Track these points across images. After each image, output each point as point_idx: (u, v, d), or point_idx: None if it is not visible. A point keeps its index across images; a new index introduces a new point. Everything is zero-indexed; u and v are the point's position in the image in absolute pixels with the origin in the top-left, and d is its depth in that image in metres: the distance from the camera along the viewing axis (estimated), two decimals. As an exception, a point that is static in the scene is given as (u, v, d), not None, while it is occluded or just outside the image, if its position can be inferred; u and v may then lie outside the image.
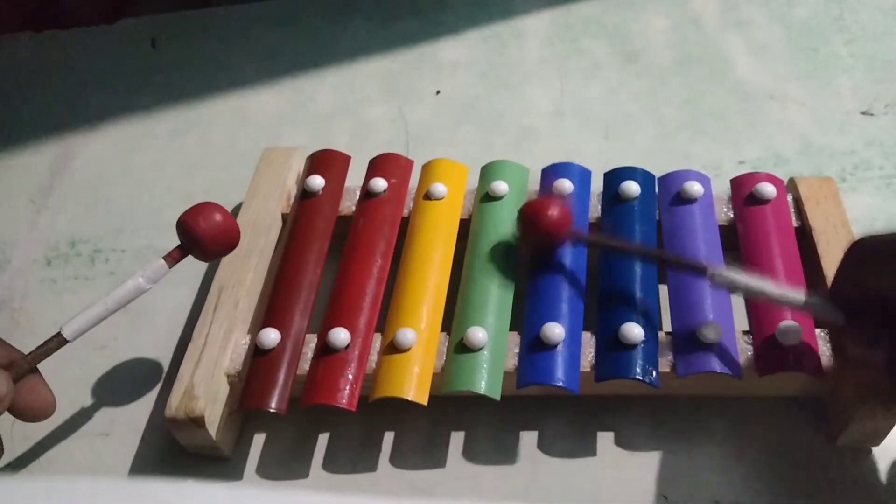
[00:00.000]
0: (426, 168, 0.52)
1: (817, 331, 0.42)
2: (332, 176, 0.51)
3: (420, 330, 0.43)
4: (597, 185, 0.50)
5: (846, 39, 0.67)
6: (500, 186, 0.49)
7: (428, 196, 0.50)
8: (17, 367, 0.39)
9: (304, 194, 0.51)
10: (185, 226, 0.41)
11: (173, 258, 0.41)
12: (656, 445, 0.43)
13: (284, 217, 0.52)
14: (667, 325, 0.44)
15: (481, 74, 0.67)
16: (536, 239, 0.44)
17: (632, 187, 0.48)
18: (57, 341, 0.40)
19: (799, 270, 0.44)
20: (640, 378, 0.40)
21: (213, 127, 0.65)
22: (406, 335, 0.42)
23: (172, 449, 0.44)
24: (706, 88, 0.64)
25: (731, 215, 0.48)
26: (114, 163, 0.63)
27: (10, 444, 0.46)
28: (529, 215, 0.44)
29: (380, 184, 0.50)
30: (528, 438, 0.44)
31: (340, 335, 0.42)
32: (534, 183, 0.51)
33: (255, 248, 0.49)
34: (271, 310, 0.45)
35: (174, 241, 0.56)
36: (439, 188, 0.49)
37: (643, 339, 0.41)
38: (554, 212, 0.43)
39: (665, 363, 0.41)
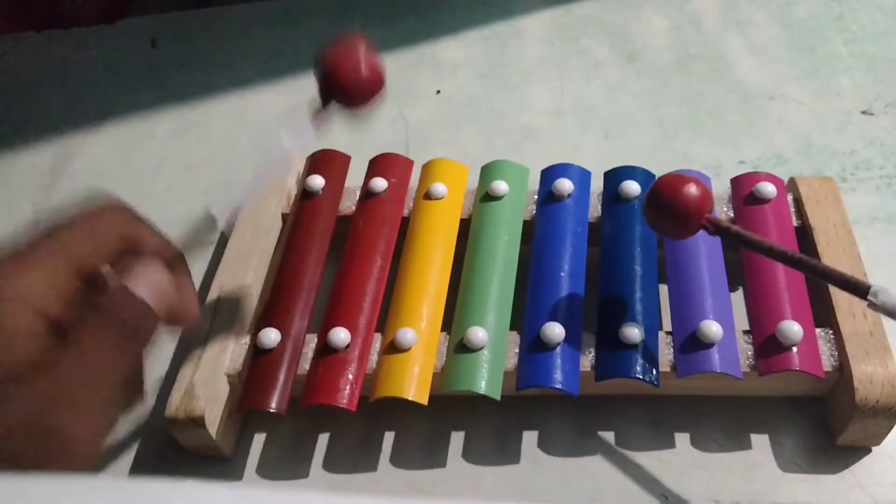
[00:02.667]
0: (426, 168, 0.52)
1: (818, 330, 0.42)
2: (332, 176, 0.51)
3: (420, 330, 0.43)
4: (597, 184, 0.50)
5: (846, 39, 0.67)
6: (500, 186, 0.49)
7: (428, 196, 0.50)
8: (169, 255, 0.34)
9: (304, 194, 0.51)
10: (328, 73, 0.35)
11: (317, 115, 0.36)
12: (656, 445, 0.43)
13: (284, 217, 0.52)
14: (667, 325, 0.44)
15: (481, 74, 0.67)
16: (667, 221, 0.39)
17: (632, 187, 0.48)
18: (208, 225, 0.36)
19: (796, 270, 0.44)
20: (641, 377, 0.40)
21: (213, 127, 0.65)
22: (406, 335, 0.42)
23: (172, 449, 0.44)
24: (706, 88, 0.64)
25: (732, 215, 0.48)
26: (114, 163, 0.63)
27: (11, 444, 0.46)
28: (663, 194, 0.38)
29: (380, 184, 0.50)
30: (529, 438, 0.44)
31: (340, 335, 0.42)
32: (534, 183, 0.51)
33: (255, 248, 0.49)
34: (271, 310, 0.45)
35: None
36: (439, 188, 0.49)
37: (643, 338, 0.41)
38: (692, 191, 0.37)
39: (665, 363, 0.41)
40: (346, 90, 0.36)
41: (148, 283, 0.32)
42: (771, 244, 0.37)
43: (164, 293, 0.32)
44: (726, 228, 0.38)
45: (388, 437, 0.45)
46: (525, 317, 0.44)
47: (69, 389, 0.29)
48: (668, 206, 0.38)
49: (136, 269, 0.32)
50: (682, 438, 0.43)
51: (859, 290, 0.35)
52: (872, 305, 0.35)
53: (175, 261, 0.35)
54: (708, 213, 0.38)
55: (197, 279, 0.53)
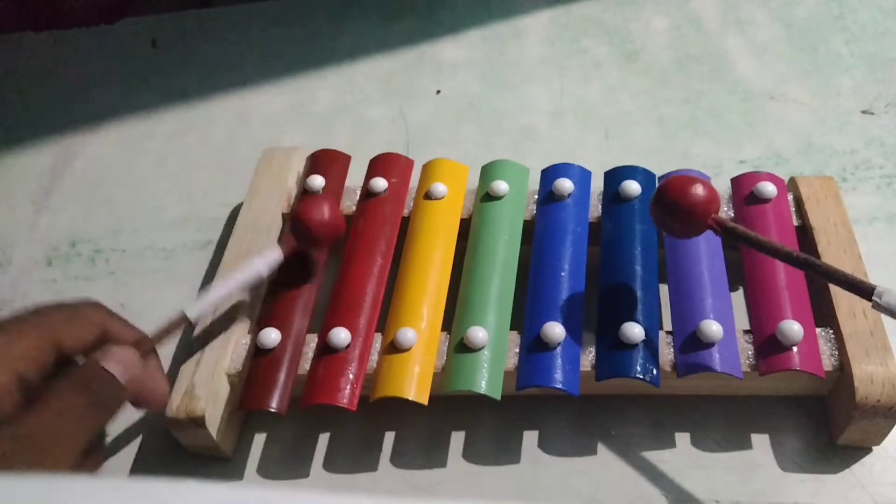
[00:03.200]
0: (426, 168, 0.52)
1: (818, 330, 0.42)
2: (332, 176, 0.51)
3: (420, 329, 0.43)
4: (597, 184, 0.50)
5: (846, 39, 0.67)
6: (501, 186, 0.49)
7: (428, 196, 0.50)
8: (142, 346, 0.38)
9: (305, 194, 0.51)
10: (301, 221, 0.43)
11: (287, 246, 0.44)
12: (656, 445, 0.43)
13: (284, 217, 0.52)
14: (667, 325, 0.44)
15: (481, 74, 0.67)
16: (673, 221, 0.39)
17: (632, 186, 0.48)
18: (180, 321, 0.40)
19: (800, 270, 0.44)
20: (641, 377, 0.40)
21: (213, 127, 0.65)
22: (406, 335, 0.42)
23: (172, 449, 0.44)
24: (706, 88, 0.64)
25: (732, 214, 0.48)
26: (114, 163, 0.63)
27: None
28: (670, 194, 0.38)
29: (380, 183, 0.50)
30: (529, 438, 0.44)
31: (341, 335, 0.42)
32: (534, 182, 0.51)
33: (255, 248, 0.49)
34: (272, 310, 0.45)
35: (174, 241, 0.57)
36: (439, 188, 0.49)
37: (643, 338, 0.41)
38: (699, 192, 0.38)
39: (665, 363, 0.41)
40: (313, 240, 0.44)
41: (119, 360, 0.35)
42: (776, 244, 0.38)
43: (133, 372, 0.35)
44: (732, 229, 0.38)
45: (388, 437, 0.45)
46: (525, 317, 0.44)
47: (28, 447, 0.31)
48: (675, 205, 0.38)
49: (108, 348, 0.35)
50: (682, 438, 0.43)
51: (864, 290, 0.35)
52: (877, 306, 0.35)
53: (147, 350, 0.38)
54: (714, 214, 0.38)
55: (197, 279, 0.54)
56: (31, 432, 0.31)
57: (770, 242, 0.38)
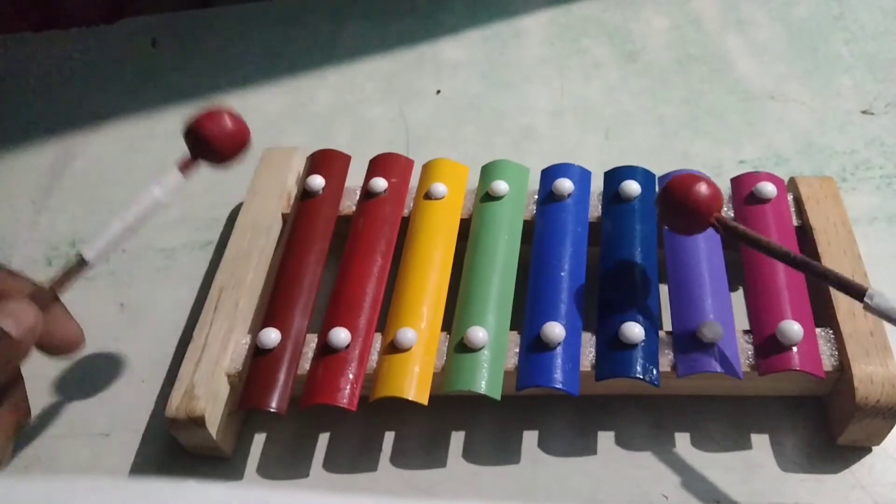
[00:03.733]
0: (426, 168, 0.52)
1: (818, 330, 0.42)
2: (332, 176, 0.51)
3: (420, 329, 0.43)
4: (597, 184, 0.50)
5: (846, 39, 0.67)
6: (501, 186, 0.49)
7: (428, 196, 0.50)
8: (40, 296, 0.37)
9: (304, 194, 0.51)
10: (194, 131, 0.40)
11: (186, 166, 0.40)
12: (656, 445, 0.43)
13: (284, 217, 0.52)
14: (667, 325, 0.44)
15: (481, 74, 0.67)
16: (677, 218, 0.41)
17: (632, 186, 0.48)
18: (78, 264, 0.38)
19: (797, 271, 0.44)
20: (641, 377, 0.40)
21: (213, 127, 0.65)
22: (406, 335, 0.42)
23: (172, 449, 0.44)
24: (706, 88, 0.64)
25: (732, 214, 0.48)
26: (114, 163, 0.63)
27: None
28: (675, 192, 0.40)
29: (380, 183, 0.50)
30: (529, 438, 0.44)
31: (341, 335, 0.42)
32: (534, 182, 0.51)
33: (255, 248, 0.49)
34: (271, 310, 0.45)
35: (174, 241, 0.57)
36: (439, 188, 0.49)
37: (643, 338, 0.41)
38: (703, 191, 0.39)
39: (665, 363, 0.41)
40: (213, 149, 0.41)
41: (9, 314, 0.34)
42: (773, 244, 0.39)
43: (27, 323, 0.35)
44: (733, 228, 0.40)
45: (388, 437, 0.45)
46: (525, 317, 0.44)
47: None
48: (680, 203, 0.40)
49: None
50: (682, 438, 0.43)
51: (857, 292, 0.36)
52: (868, 308, 0.36)
53: (46, 300, 0.38)
54: (717, 213, 0.40)
55: (197, 279, 0.54)
56: None
57: (768, 242, 0.39)
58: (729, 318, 0.43)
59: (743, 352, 0.42)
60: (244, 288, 0.47)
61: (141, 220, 0.39)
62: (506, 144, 0.61)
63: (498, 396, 0.41)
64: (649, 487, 0.42)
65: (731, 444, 0.43)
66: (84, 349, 0.40)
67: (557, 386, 0.40)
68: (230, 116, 0.41)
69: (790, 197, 0.49)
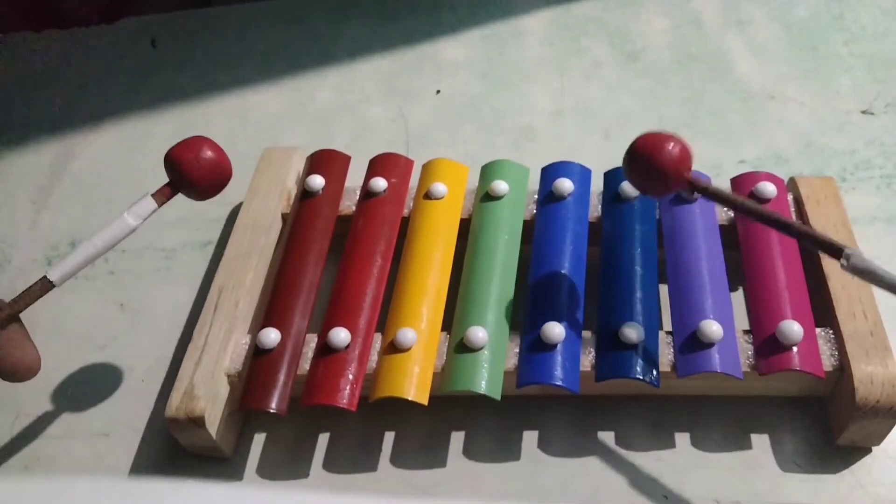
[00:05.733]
0: (426, 168, 0.52)
1: (818, 330, 0.42)
2: (332, 176, 0.51)
3: (420, 330, 0.43)
4: (597, 184, 0.50)
5: (846, 39, 0.67)
6: (501, 186, 0.49)
7: (428, 196, 0.50)
8: (10, 322, 0.36)
9: (304, 194, 0.51)
10: (173, 160, 0.39)
11: (162, 195, 0.39)
12: (656, 445, 0.43)
13: (284, 217, 0.52)
14: (667, 325, 0.44)
15: (481, 74, 0.67)
16: (646, 180, 0.39)
17: (632, 186, 0.48)
18: (41, 285, 0.37)
19: (799, 269, 0.44)
20: (641, 377, 0.40)
21: (213, 127, 0.65)
22: (406, 335, 0.42)
23: (172, 449, 0.44)
24: (706, 88, 0.64)
25: (732, 214, 0.48)
26: (114, 163, 0.63)
27: (12, 443, 0.46)
28: (642, 152, 0.38)
29: (380, 183, 0.50)
30: (529, 438, 0.44)
31: (341, 335, 0.42)
32: (534, 182, 0.51)
33: (255, 248, 0.49)
34: (271, 310, 0.45)
35: (174, 241, 0.57)
36: (439, 188, 0.49)
37: (643, 338, 0.41)
38: (673, 149, 0.38)
39: (665, 363, 0.41)
40: (194, 187, 0.40)
41: None
42: (747, 203, 0.38)
43: None
44: (704, 188, 0.39)
45: (388, 437, 0.45)
46: (525, 316, 0.44)
47: None
48: (648, 164, 0.38)
49: None
50: (682, 438, 0.43)
51: (834, 251, 0.35)
52: (845, 268, 0.35)
53: (5, 319, 0.36)
54: (687, 173, 0.38)
55: (197, 279, 0.54)
56: None
57: (742, 201, 0.38)
58: (729, 317, 0.43)
59: (743, 352, 0.42)
60: (244, 288, 0.47)
61: (110, 246, 0.39)
62: (506, 144, 0.61)
63: (498, 396, 0.41)
64: (649, 487, 0.42)
65: (731, 444, 0.43)
66: (38, 374, 0.38)
67: (557, 383, 0.40)
68: (211, 149, 0.39)
69: (790, 197, 0.49)
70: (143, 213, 0.39)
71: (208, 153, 0.39)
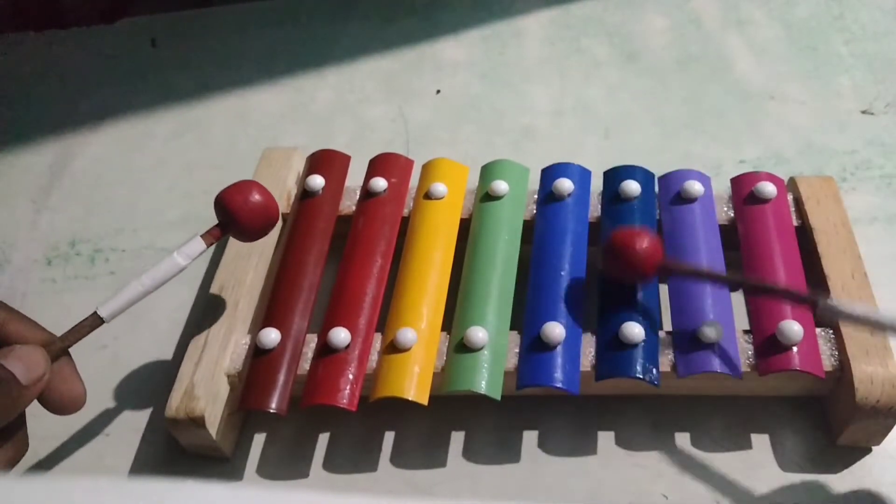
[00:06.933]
0: (426, 168, 0.52)
1: (818, 330, 0.42)
2: (332, 176, 0.51)
3: (420, 329, 0.43)
4: (596, 184, 0.50)
5: (846, 39, 0.67)
6: (501, 186, 0.49)
7: (428, 196, 0.50)
8: (51, 347, 0.37)
9: (304, 194, 0.51)
10: (224, 203, 0.41)
11: (213, 236, 0.41)
12: (656, 445, 0.43)
13: (284, 217, 0.52)
14: (667, 325, 0.44)
15: (481, 74, 0.67)
16: (621, 272, 0.42)
17: (632, 186, 0.48)
18: (92, 321, 0.38)
19: (799, 270, 0.44)
20: (641, 377, 0.40)
21: (213, 127, 0.65)
22: (406, 335, 0.42)
23: (172, 449, 0.44)
24: (706, 88, 0.64)
25: (732, 214, 0.48)
26: (114, 163, 0.63)
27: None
28: (617, 248, 0.41)
29: (380, 183, 0.50)
30: (529, 438, 0.44)
31: (341, 335, 0.42)
32: (534, 182, 0.51)
33: (255, 248, 0.49)
34: (271, 310, 0.45)
35: (174, 241, 0.57)
36: (439, 188, 0.49)
37: (643, 338, 0.41)
38: (644, 245, 0.41)
39: (665, 363, 0.41)
40: (242, 229, 0.42)
41: (19, 358, 0.34)
42: (714, 272, 0.43)
43: (37, 371, 0.35)
44: (675, 268, 0.43)
45: (388, 437, 0.45)
46: (525, 317, 0.44)
47: None
48: (622, 260, 0.41)
49: (11, 347, 0.35)
50: (682, 438, 0.43)
51: (810, 302, 0.39)
52: (821, 316, 0.38)
53: (57, 352, 0.37)
54: (657, 264, 0.41)
55: (197, 279, 0.54)
56: None
57: (709, 271, 0.43)
58: (729, 317, 0.43)
59: (743, 352, 0.42)
60: (244, 288, 0.47)
61: (158, 285, 0.40)
62: (506, 144, 0.61)
63: (498, 396, 0.41)
64: (649, 487, 0.42)
65: (731, 444, 0.43)
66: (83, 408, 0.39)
67: (557, 385, 0.40)
68: (259, 192, 0.41)
69: (790, 197, 0.49)
70: (193, 254, 0.41)
71: (257, 196, 0.41)
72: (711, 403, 0.44)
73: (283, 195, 0.52)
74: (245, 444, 0.45)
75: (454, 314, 0.44)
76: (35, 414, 0.47)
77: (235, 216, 0.41)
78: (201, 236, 0.41)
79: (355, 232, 0.48)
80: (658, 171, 0.50)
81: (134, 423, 0.46)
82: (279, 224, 0.51)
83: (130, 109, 0.67)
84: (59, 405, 0.37)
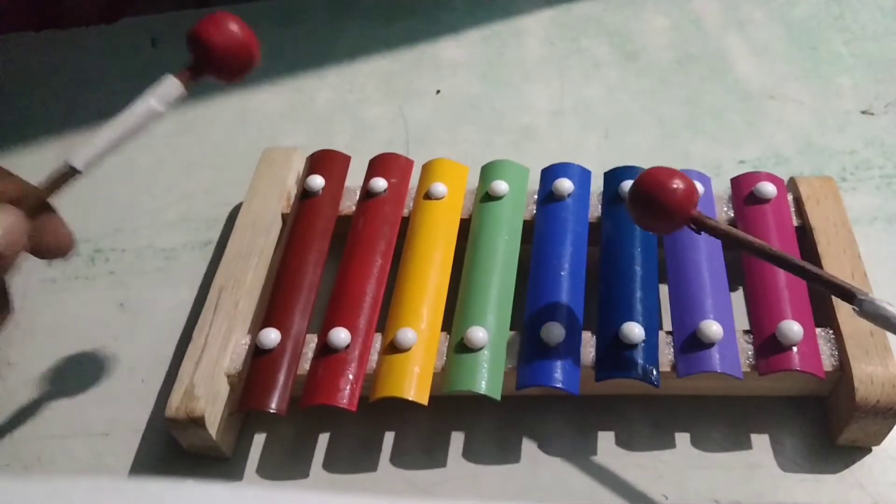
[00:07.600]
0: (426, 168, 0.52)
1: (818, 330, 0.42)
2: (332, 176, 0.51)
3: (420, 330, 0.43)
4: (597, 184, 0.50)
5: (846, 39, 0.67)
6: (501, 186, 0.49)
7: (428, 196, 0.50)
8: (30, 202, 0.36)
9: (304, 194, 0.51)
10: (198, 37, 0.37)
11: (187, 76, 0.37)
12: (656, 445, 0.43)
13: (284, 217, 0.52)
14: (667, 325, 0.44)
15: (481, 74, 0.67)
16: (651, 217, 0.37)
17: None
18: (66, 172, 0.37)
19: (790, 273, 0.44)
20: (641, 377, 0.40)
21: (213, 127, 0.65)
22: (406, 335, 0.42)
23: (172, 449, 0.44)
24: (706, 88, 0.64)
25: (732, 214, 0.48)
26: (114, 163, 0.63)
27: (12, 443, 0.46)
28: (647, 188, 0.36)
29: (380, 183, 0.50)
30: (529, 438, 0.44)
31: (341, 335, 0.42)
32: (534, 182, 0.51)
33: (255, 248, 0.49)
34: (271, 310, 0.45)
35: (174, 241, 0.57)
36: (439, 188, 0.49)
37: (643, 338, 0.41)
38: (679, 185, 0.36)
39: (665, 363, 0.41)
40: (218, 64, 0.37)
41: None
42: (762, 244, 0.37)
43: (11, 237, 0.34)
44: (713, 227, 0.37)
45: (388, 437, 0.45)
46: (525, 317, 0.44)
47: None
48: (652, 202, 0.36)
49: None
50: (682, 438, 0.43)
51: (847, 295, 0.35)
52: (858, 312, 0.35)
53: (34, 207, 0.37)
54: (693, 210, 0.36)
55: (197, 279, 0.54)
56: None
57: (757, 242, 0.37)
58: (729, 318, 0.43)
59: (743, 352, 0.42)
60: (244, 288, 0.47)
61: (134, 131, 0.36)
62: (506, 144, 0.61)
63: (498, 396, 0.41)
64: (649, 487, 0.42)
65: (731, 444, 0.43)
66: (74, 253, 0.38)
67: (557, 385, 0.40)
68: (237, 24, 0.37)
69: (790, 197, 0.49)
70: (168, 97, 0.36)
71: (233, 27, 0.38)
72: (711, 403, 0.44)
73: (283, 195, 0.52)
74: (245, 444, 0.45)
75: (454, 314, 0.44)
76: (35, 414, 0.47)
77: (208, 45, 0.37)
78: (174, 75, 0.37)
79: (355, 232, 0.48)
80: (658, 171, 0.50)
81: (134, 423, 0.46)
82: (279, 224, 0.51)
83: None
84: (49, 253, 0.37)
